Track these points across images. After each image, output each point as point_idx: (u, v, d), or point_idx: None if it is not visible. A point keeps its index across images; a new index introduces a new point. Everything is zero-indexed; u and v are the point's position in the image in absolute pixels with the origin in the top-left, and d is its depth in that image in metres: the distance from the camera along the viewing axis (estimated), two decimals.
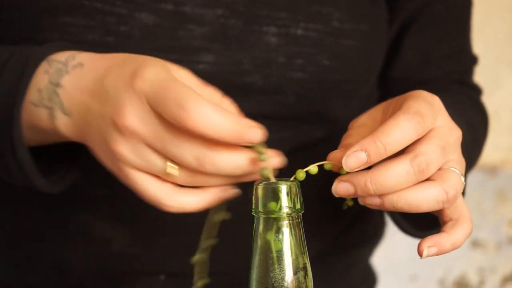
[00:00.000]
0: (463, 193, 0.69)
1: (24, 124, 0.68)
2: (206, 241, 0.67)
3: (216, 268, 0.81)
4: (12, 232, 0.84)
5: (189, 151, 0.59)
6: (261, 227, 0.58)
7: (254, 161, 0.60)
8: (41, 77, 0.66)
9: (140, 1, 0.73)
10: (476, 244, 1.57)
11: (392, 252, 1.50)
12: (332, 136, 0.81)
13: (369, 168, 0.60)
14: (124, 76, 0.61)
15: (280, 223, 0.57)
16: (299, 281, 0.57)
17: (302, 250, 0.58)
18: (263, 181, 0.59)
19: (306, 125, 0.80)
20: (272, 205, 0.57)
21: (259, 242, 0.58)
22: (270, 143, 0.62)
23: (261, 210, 0.57)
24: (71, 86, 0.64)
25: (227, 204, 0.65)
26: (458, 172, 0.62)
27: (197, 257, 0.67)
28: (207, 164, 0.59)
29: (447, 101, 0.66)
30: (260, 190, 0.57)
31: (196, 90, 0.62)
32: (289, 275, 0.57)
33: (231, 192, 0.63)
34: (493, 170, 1.55)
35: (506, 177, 1.56)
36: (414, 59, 0.87)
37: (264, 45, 0.76)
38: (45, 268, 0.83)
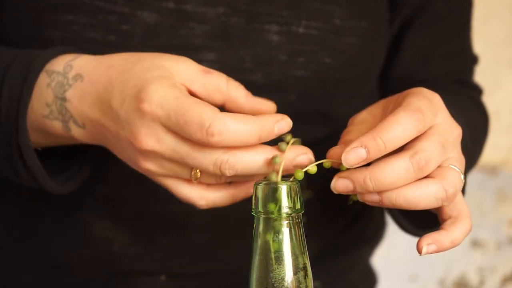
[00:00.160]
0: (463, 192, 0.69)
1: (35, 130, 0.68)
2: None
3: (216, 268, 0.82)
4: (13, 232, 0.84)
5: (208, 161, 0.60)
6: (261, 227, 0.58)
7: (270, 162, 0.61)
8: (46, 92, 0.67)
9: None
10: (476, 244, 1.57)
11: (392, 252, 1.50)
12: (333, 136, 0.81)
13: (369, 164, 0.60)
14: (130, 98, 0.61)
15: (280, 223, 0.57)
16: (299, 281, 0.57)
17: (302, 250, 0.58)
18: (263, 181, 0.59)
19: (307, 125, 0.80)
20: (272, 205, 0.57)
21: (259, 242, 0.58)
22: (271, 143, 0.62)
23: (261, 210, 0.57)
24: (78, 100, 0.65)
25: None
26: (457, 170, 0.62)
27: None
28: (226, 169, 0.60)
29: (447, 99, 0.66)
30: (260, 190, 0.57)
31: (200, 79, 0.63)
32: (289, 275, 0.57)
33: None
34: (493, 170, 1.55)
35: (506, 177, 1.56)
36: (414, 58, 0.87)
37: (266, 43, 0.75)
38: (45, 267, 0.83)
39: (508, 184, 1.56)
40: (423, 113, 0.60)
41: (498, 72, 1.51)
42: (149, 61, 0.63)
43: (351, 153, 0.59)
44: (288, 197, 0.57)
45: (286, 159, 0.60)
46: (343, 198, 0.64)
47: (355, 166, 0.59)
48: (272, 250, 0.57)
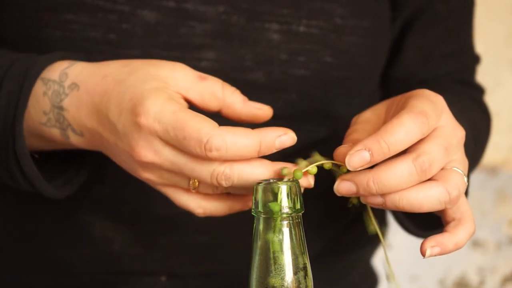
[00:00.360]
0: (466, 194, 0.69)
1: (33, 136, 0.69)
2: None
3: (216, 269, 0.82)
4: (13, 232, 0.84)
5: (206, 172, 0.60)
6: (261, 227, 0.57)
7: (273, 175, 0.61)
8: (43, 100, 0.67)
9: None
10: (476, 244, 1.57)
11: (393, 252, 1.50)
12: (334, 136, 0.81)
13: (372, 167, 0.60)
14: (126, 111, 0.62)
15: (280, 223, 0.57)
16: (299, 281, 0.57)
17: (302, 250, 0.58)
18: (263, 181, 0.59)
19: (308, 125, 0.80)
20: (272, 205, 0.57)
21: (259, 242, 0.57)
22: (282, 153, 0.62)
23: (261, 210, 0.57)
24: (75, 109, 0.65)
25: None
26: (460, 172, 0.62)
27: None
28: (223, 180, 0.60)
29: (449, 99, 0.66)
30: (260, 190, 0.57)
31: (196, 86, 0.63)
32: (289, 275, 0.57)
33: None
34: (493, 170, 1.55)
35: (506, 177, 1.56)
36: (416, 58, 0.86)
37: (266, 42, 0.75)
38: (45, 268, 0.82)
39: (508, 184, 1.56)
40: (427, 116, 0.60)
41: (498, 72, 1.51)
42: (144, 70, 0.63)
43: (355, 156, 0.59)
44: (288, 197, 0.57)
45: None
46: (344, 198, 0.64)
47: (359, 169, 0.59)
48: (272, 250, 0.57)
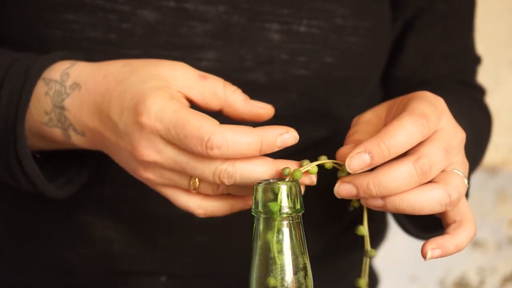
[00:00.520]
0: (466, 195, 0.69)
1: (34, 135, 0.69)
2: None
3: (216, 269, 0.81)
4: (14, 232, 0.84)
5: (208, 170, 0.60)
6: (261, 227, 0.57)
7: (275, 173, 0.61)
8: (44, 100, 0.67)
9: None
10: (476, 244, 1.56)
11: (393, 253, 1.50)
12: (334, 136, 0.81)
13: (372, 169, 0.60)
14: (128, 110, 0.62)
15: (280, 223, 0.57)
16: (299, 281, 0.57)
17: (302, 250, 0.58)
18: (263, 181, 0.59)
19: (309, 125, 0.80)
20: (272, 205, 0.57)
21: (259, 242, 0.57)
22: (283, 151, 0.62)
23: (261, 210, 0.57)
24: (76, 109, 0.65)
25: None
26: (461, 174, 0.62)
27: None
28: (225, 178, 0.60)
29: (450, 100, 0.66)
30: (260, 190, 0.57)
31: (197, 85, 0.63)
32: (289, 275, 0.57)
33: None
34: (493, 170, 1.55)
35: (506, 177, 1.56)
36: (417, 58, 0.86)
37: (267, 41, 0.75)
38: (46, 268, 0.82)
39: (508, 184, 1.56)
40: (427, 119, 0.60)
41: (498, 72, 1.51)
42: (145, 70, 0.63)
43: (355, 159, 0.59)
44: (288, 197, 0.57)
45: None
46: (344, 198, 0.64)
47: (359, 172, 0.59)
48: (272, 250, 0.57)
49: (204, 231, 0.79)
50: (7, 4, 0.75)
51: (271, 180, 0.59)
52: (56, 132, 0.67)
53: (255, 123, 0.63)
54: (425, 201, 0.60)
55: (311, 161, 0.61)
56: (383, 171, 0.59)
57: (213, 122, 0.59)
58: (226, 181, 0.60)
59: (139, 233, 0.80)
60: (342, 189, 0.61)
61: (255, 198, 0.58)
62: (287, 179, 0.59)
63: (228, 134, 0.58)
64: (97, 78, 0.65)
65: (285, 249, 0.57)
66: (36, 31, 0.74)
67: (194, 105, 0.65)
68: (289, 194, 0.57)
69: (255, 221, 0.58)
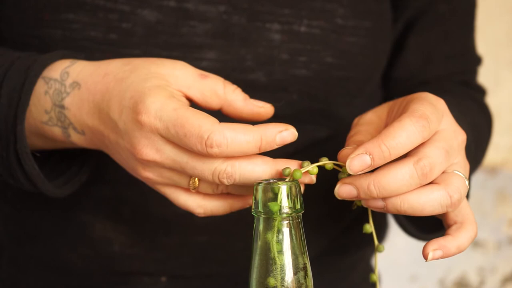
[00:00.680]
0: (467, 196, 0.69)
1: (34, 135, 0.69)
2: None
3: (216, 269, 0.81)
4: (14, 232, 0.84)
5: (207, 170, 0.60)
6: (261, 227, 0.57)
7: (275, 172, 0.61)
8: (44, 99, 0.67)
9: None
10: (476, 244, 1.56)
11: (393, 253, 1.50)
12: (335, 137, 0.81)
13: (373, 170, 0.60)
14: (127, 109, 0.62)
15: (280, 223, 0.57)
16: (299, 281, 0.57)
17: (302, 250, 0.58)
18: (263, 181, 0.59)
19: (309, 125, 0.80)
20: (272, 205, 0.57)
21: (259, 242, 0.57)
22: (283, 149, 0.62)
23: (261, 210, 0.57)
24: (76, 108, 0.65)
25: None
26: (462, 175, 0.62)
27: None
28: (224, 178, 0.60)
29: (451, 101, 0.66)
30: (260, 190, 0.57)
31: (197, 84, 0.63)
32: (289, 275, 0.57)
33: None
34: (493, 170, 1.55)
35: (506, 177, 1.56)
36: (417, 59, 0.86)
37: (267, 41, 0.75)
38: (46, 268, 0.82)
39: (508, 184, 1.56)
40: (428, 120, 0.59)
41: (498, 72, 1.51)
42: (145, 69, 0.63)
43: (356, 160, 0.59)
44: (288, 197, 0.57)
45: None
46: (344, 200, 0.64)
47: (360, 173, 0.59)
48: (272, 250, 0.57)
49: (204, 231, 0.79)
50: (8, 3, 0.75)
51: (271, 180, 0.59)
52: (56, 131, 0.67)
53: (254, 122, 0.63)
54: (426, 202, 0.60)
55: (311, 161, 0.61)
56: (384, 173, 0.59)
57: (213, 120, 0.59)
58: (225, 181, 0.60)
59: (139, 233, 0.79)
60: (343, 190, 0.61)
61: (255, 198, 0.58)
62: (287, 179, 0.59)
63: (227, 132, 0.58)
64: (97, 77, 0.65)
65: (285, 249, 0.57)
66: (36, 31, 0.74)
67: (194, 104, 0.65)
68: (289, 194, 0.57)
69: (255, 221, 0.58)
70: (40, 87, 0.67)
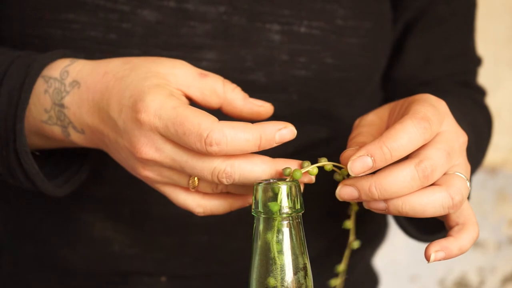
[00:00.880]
0: (468, 197, 0.69)
1: (34, 134, 0.69)
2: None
3: (216, 269, 0.81)
4: (14, 232, 0.84)
5: (207, 169, 0.60)
6: (261, 227, 0.57)
7: (274, 172, 0.61)
8: (44, 98, 0.67)
9: None
10: (476, 244, 1.56)
11: (393, 253, 1.50)
12: (334, 137, 0.81)
13: (374, 172, 0.60)
14: (127, 108, 0.62)
15: (280, 223, 0.57)
16: (299, 281, 0.57)
17: (302, 250, 0.58)
18: (263, 181, 0.59)
19: (309, 125, 0.80)
20: (272, 205, 0.57)
21: (259, 242, 0.57)
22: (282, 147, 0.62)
23: (261, 210, 0.57)
24: (76, 107, 0.65)
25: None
26: (463, 177, 0.62)
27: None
28: (223, 178, 0.60)
29: (451, 102, 0.66)
30: (260, 190, 0.57)
31: (196, 83, 0.63)
32: (289, 275, 0.57)
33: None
34: (493, 170, 1.55)
35: (506, 177, 1.56)
36: (417, 59, 0.86)
37: (267, 42, 0.75)
38: (45, 268, 0.82)
39: (508, 184, 1.56)
40: (429, 122, 0.59)
41: (498, 72, 1.51)
42: (145, 67, 0.63)
43: (357, 162, 0.59)
44: (288, 197, 0.57)
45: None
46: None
47: (361, 175, 0.59)
48: (272, 250, 0.57)
49: (204, 231, 0.79)
50: (8, 3, 0.75)
51: (271, 180, 0.59)
52: (56, 130, 0.67)
53: (254, 122, 0.63)
54: (427, 204, 0.60)
55: (311, 161, 0.61)
56: (385, 174, 0.59)
57: (212, 118, 0.59)
58: (224, 181, 0.60)
59: (139, 233, 0.79)
60: (344, 191, 0.60)
61: (255, 198, 0.58)
62: (287, 179, 0.59)
63: (227, 130, 0.58)
64: (96, 76, 0.65)
65: (285, 249, 0.57)
66: (36, 31, 0.74)
67: (193, 103, 0.65)
68: (289, 194, 0.57)
69: (255, 221, 0.58)
70: (40, 86, 0.67)
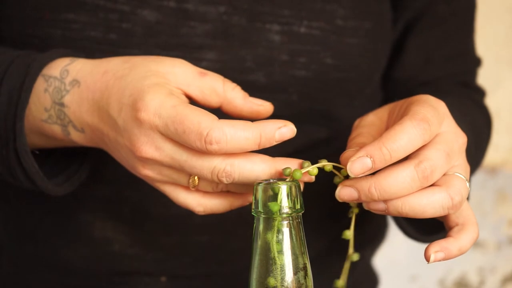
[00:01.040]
0: (467, 197, 0.69)
1: (34, 133, 0.69)
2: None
3: (216, 269, 0.81)
4: (14, 232, 0.84)
5: (206, 168, 0.60)
6: (261, 227, 0.57)
7: (274, 171, 0.61)
8: (44, 97, 0.67)
9: None
10: (476, 244, 1.56)
11: (393, 253, 1.50)
12: (334, 137, 0.81)
13: (374, 173, 0.60)
14: (127, 107, 0.62)
15: (280, 223, 0.57)
16: (299, 281, 0.57)
17: (302, 250, 0.58)
18: (263, 181, 0.59)
19: (309, 125, 0.80)
20: (272, 205, 0.57)
21: (259, 242, 0.57)
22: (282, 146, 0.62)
23: (261, 210, 0.57)
24: (76, 106, 0.65)
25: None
26: (463, 177, 0.62)
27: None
28: (223, 177, 0.60)
29: (451, 103, 0.66)
30: (260, 190, 0.57)
31: (196, 82, 0.63)
32: (289, 275, 0.57)
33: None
34: (493, 170, 1.55)
35: (506, 177, 1.56)
36: (417, 60, 0.86)
37: (267, 42, 0.75)
38: (45, 268, 0.83)
39: (508, 184, 1.56)
40: (429, 123, 0.59)
41: (498, 72, 1.51)
42: (144, 66, 0.63)
43: (357, 163, 0.59)
44: (288, 197, 0.57)
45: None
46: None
47: (360, 176, 0.59)
48: (272, 250, 0.57)
49: (204, 231, 0.79)
50: (8, 3, 0.75)
51: (271, 180, 0.59)
52: (56, 129, 0.67)
53: (254, 121, 0.63)
54: (427, 205, 0.60)
55: (311, 161, 0.61)
56: (385, 175, 0.59)
57: (212, 117, 0.59)
58: (224, 180, 0.60)
59: (139, 233, 0.80)
60: (344, 192, 0.60)
61: (255, 198, 0.58)
62: (287, 179, 0.59)
63: (226, 129, 0.58)
64: (96, 75, 0.65)
65: (285, 249, 0.57)
66: (36, 31, 0.74)
67: (193, 102, 0.65)
68: (289, 194, 0.57)
69: (255, 221, 0.58)
70: (39, 85, 0.67)
